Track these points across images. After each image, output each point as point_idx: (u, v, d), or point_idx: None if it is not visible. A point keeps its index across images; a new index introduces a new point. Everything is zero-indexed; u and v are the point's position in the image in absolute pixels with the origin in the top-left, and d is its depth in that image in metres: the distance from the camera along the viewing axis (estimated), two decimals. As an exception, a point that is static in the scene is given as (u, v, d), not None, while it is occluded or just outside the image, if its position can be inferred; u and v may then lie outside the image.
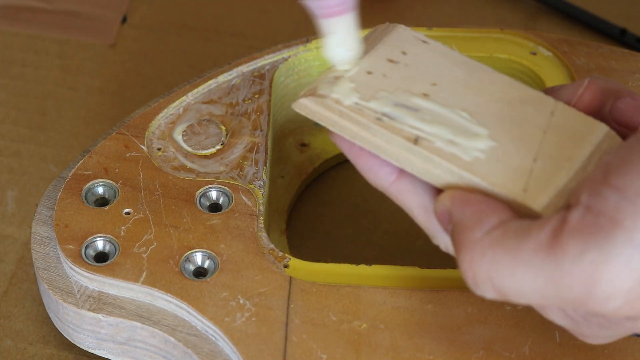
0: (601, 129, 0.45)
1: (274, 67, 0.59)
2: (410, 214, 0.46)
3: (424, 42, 0.49)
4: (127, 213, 0.52)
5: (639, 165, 0.40)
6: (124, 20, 0.71)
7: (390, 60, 0.48)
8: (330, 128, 0.47)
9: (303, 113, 0.47)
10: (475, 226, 0.42)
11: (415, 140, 0.45)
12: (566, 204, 0.42)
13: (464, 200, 0.44)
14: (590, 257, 0.39)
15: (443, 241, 0.46)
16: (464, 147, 0.45)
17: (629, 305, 0.40)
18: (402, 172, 0.46)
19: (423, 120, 0.46)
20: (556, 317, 0.44)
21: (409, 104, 0.46)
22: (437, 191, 0.45)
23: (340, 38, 0.47)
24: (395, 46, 0.49)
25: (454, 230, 0.43)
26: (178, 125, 0.56)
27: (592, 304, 0.40)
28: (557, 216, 0.41)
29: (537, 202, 0.43)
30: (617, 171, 0.40)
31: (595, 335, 0.44)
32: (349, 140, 0.46)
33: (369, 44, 0.49)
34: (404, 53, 0.48)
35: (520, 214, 0.43)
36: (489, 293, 0.42)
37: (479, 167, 0.44)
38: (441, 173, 0.45)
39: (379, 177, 0.46)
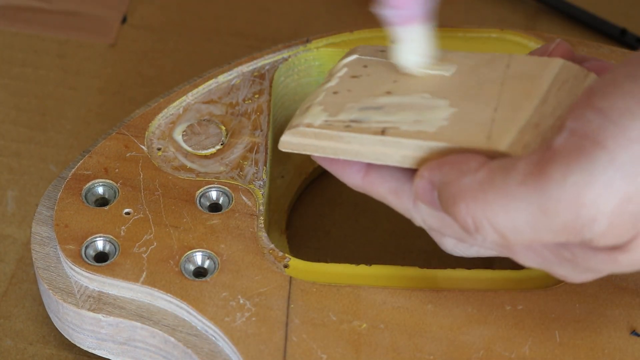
0: (556, 63, 0.47)
1: (274, 67, 0.59)
2: (385, 201, 0.47)
3: (383, 51, 0.51)
4: (127, 213, 0.52)
5: (622, 87, 0.40)
6: (124, 20, 0.71)
7: (353, 77, 0.50)
8: (315, 154, 0.48)
9: (289, 150, 0.49)
10: (459, 176, 0.43)
11: (383, 132, 0.47)
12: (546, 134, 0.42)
13: (438, 164, 0.44)
14: (574, 179, 0.39)
15: (418, 215, 0.46)
16: (428, 122, 0.46)
17: (613, 229, 0.40)
18: (369, 166, 0.47)
19: (388, 114, 0.47)
20: (527, 259, 0.44)
21: (374, 105, 0.48)
22: (403, 174, 0.46)
23: (413, 46, 0.48)
24: (356, 63, 0.51)
25: (440, 192, 0.43)
26: (178, 125, 0.56)
27: (580, 229, 0.40)
28: (542, 145, 0.41)
29: (501, 143, 0.44)
30: (600, 94, 0.40)
31: (569, 275, 0.44)
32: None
33: (334, 71, 0.51)
34: (365, 66, 0.51)
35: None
36: (490, 235, 0.42)
37: (444, 133, 0.46)
38: (413, 152, 0.46)
39: (351, 177, 0.47)
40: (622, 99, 0.40)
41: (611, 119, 0.39)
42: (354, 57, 0.51)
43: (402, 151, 0.46)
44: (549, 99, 0.46)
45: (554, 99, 0.46)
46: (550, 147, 0.41)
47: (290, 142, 0.49)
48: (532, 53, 0.50)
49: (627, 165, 0.39)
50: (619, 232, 0.40)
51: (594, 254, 0.41)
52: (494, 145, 0.44)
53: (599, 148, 0.39)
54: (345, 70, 0.51)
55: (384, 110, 0.48)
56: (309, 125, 0.48)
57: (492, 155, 0.44)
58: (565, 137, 0.40)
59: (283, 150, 0.49)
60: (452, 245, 0.48)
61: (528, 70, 0.47)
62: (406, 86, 0.49)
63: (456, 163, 0.43)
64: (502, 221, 0.41)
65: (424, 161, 0.46)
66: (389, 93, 0.49)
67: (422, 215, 0.46)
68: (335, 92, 0.50)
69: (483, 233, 0.42)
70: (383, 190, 0.47)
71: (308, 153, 0.48)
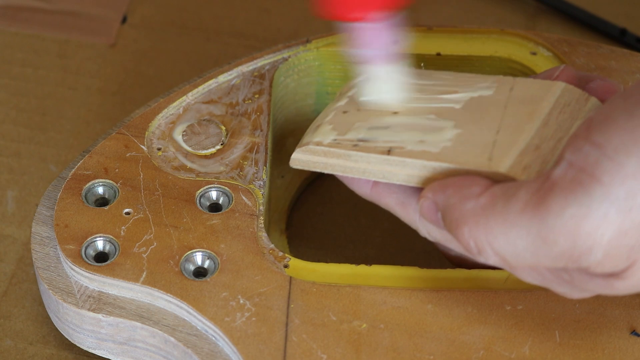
0: (558, 86, 0.48)
1: (274, 67, 0.59)
2: (392, 212, 0.49)
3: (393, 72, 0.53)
4: (127, 213, 0.52)
5: (619, 122, 0.41)
6: (124, 20, 0.71)
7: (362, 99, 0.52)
8: (324, 172, 0.50)
9: (300, 167, 0.51)
10: (462, 201, 0.44)
11: (389, 151, 0.48)
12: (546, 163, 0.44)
13: (442, 185, 0.45)
14: (571, 211, 0.41)
15: (423, 228, 0.48)
16: (432, 142, 0.48)
17: (609, 258, 0.41)
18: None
19: (394, 133, 0.49)
20: (529, 277, 0.45)
21: (381, 125, 0.50)
22: (410, 187, 0.48)
23: (385, 84, 0.50)
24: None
25: (444, 215, 0.45)
26: (178, 125, 0.56)
27: (577, 258, 0.41)
28: (543, 174, 0.43)
29: (501, 165, 0.45)
30: (597, 128, 0.42)
31: (568, 293, 0.45)
32: None
33: (344, 90, 0.53)
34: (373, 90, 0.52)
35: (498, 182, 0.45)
36: (491, 258, 0.44)
37: (448, 154, 0.47)
38: (418, 172, 0.47)
39: (360, 187, 0.50)
40: (618, 135, 0.41)
41: (607, 154, 0.41)
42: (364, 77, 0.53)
43: (407, 170, 0.47)
44: (550, 121, 0.47)
45: (554, 121, 0.47)
46: (549, 177, 0.42)
47: (300, 159, 0.50)
48: (537, 76, 0.51)
49: (622, 200, 0.40)
50: (614, 262, 0.41)
51: (591, 278, 0.43)
52: (495, 167, 0.45)
53: (595, 182, 0.41)
54: (354, 90, 0.52)
55: (391, 129, 0.49)
56: (319, 144, 0.50)
57: (493, 177, 0.45)
58: (564, 168, 0.42)
59: (293, 167, 0.51)
60: (458, 260, 0.50)
61: (531, 93, 0.49)
62: (413, 107, 0.50)
63: (459, 186, 0.45)
64: (503, 246, 0.43)
65: (428, 180, 0.47)
66: (396, 113, 0.50)
67: (427, 228, 0.48)
68: (344, 112, 0.51)
69: (485, 255, 0.44)
70: (390, 202, 0.49)
71: (318, 170, 0.50)
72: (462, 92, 0.50)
